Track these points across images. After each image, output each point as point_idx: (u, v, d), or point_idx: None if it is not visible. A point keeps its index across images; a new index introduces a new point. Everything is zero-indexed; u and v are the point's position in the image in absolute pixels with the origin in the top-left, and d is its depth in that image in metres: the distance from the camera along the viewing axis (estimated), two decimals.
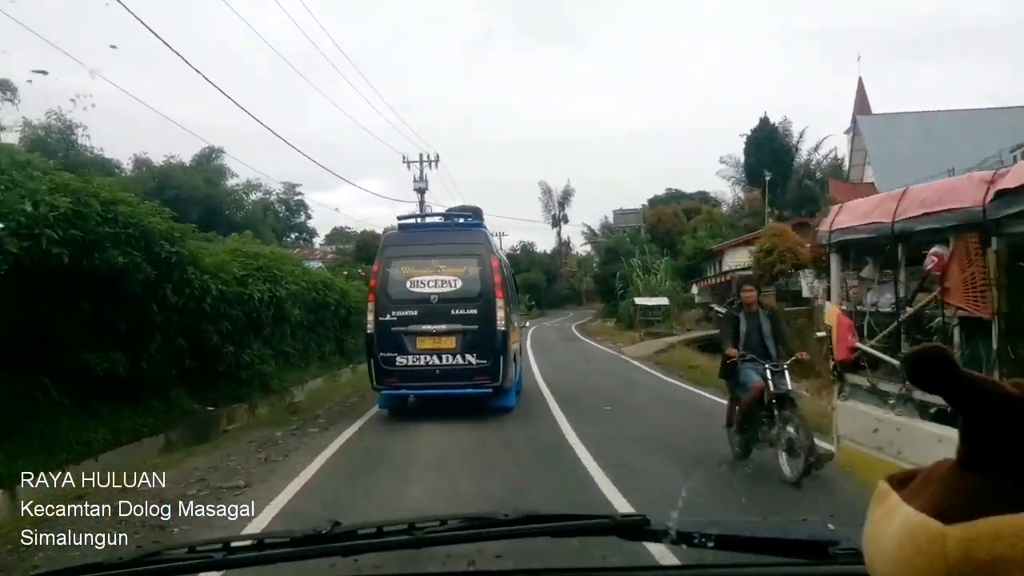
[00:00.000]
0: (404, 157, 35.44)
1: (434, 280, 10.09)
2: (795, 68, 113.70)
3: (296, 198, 56.16)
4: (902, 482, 0.66)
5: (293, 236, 56.52)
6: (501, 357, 9.89)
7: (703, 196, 62.62)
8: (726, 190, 60.56)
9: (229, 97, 29.00)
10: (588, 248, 73.97)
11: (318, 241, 59.93)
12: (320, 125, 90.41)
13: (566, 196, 75.47)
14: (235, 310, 11.50)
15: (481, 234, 10.90)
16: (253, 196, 50.49)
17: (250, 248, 13.13)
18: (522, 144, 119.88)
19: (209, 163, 44.75)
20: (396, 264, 10.23)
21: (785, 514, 5.09)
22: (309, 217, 58.54)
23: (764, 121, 54.27)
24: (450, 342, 9.85)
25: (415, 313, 9.92)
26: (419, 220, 12.64)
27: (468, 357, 9.81)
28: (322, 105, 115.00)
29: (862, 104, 48.84)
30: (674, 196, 63.95)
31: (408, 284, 10.09)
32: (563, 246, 79.60)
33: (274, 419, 10.80)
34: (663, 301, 32.70)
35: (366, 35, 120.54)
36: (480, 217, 11.52)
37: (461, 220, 11.15)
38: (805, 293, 20.68)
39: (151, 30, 11.23)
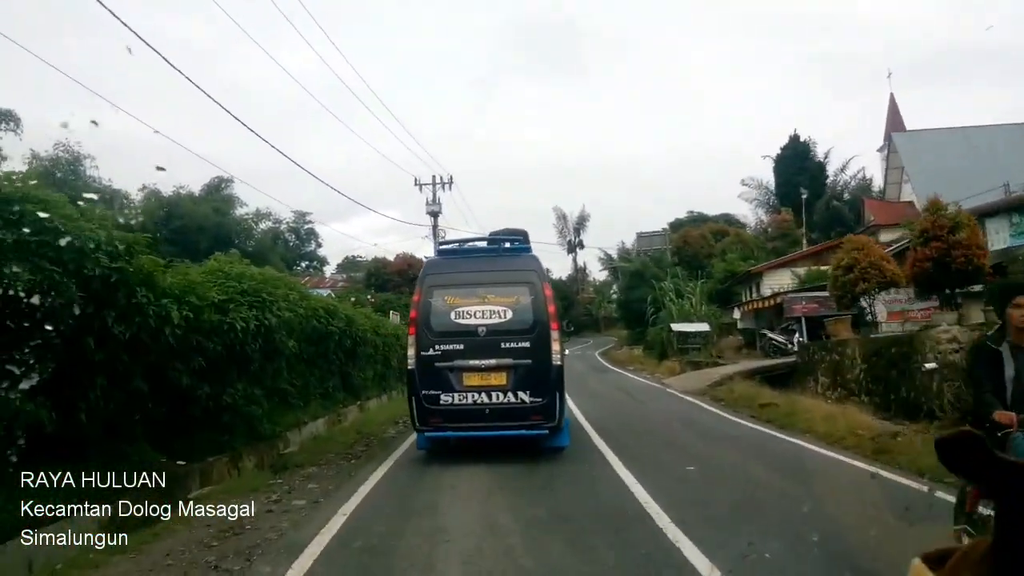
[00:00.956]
0: (416, 179, 33.89)
1: (482, 311, 9.20)
2: (810, 91, 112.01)
3: (306, 227, 55.20)
4: (938, 561, 0.72)
5: (304, 265, 55.42)
6: (557, 394, 9.00)
7: (728, 218, 60.53)
8: (748, 212, 58.68)
9: (249, 128, 27.45)
10: (605, 274, 71.85)
11: (329, 270, 58.84)
12: (330, 156, 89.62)
13: (581, 222, 73.90)
14: (212, 342, 9.32)
15: (532, 259, 9.98)
16: (263, 225, 49.31)
17: (233, 269, 10.81)
18: (535, 170, 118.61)
19: (218, 192, 43.60)
20: (439, 294, 9.38)
21: None
22: (319, 246, 57.64)
23: (794, 139, 52.28)
24: (500, 378, 8.97)
25: (461, 347, 9.08)
26: (461, 245, 11.28)
27: (521, 395, 8.90)
28: (332, 136, 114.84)
29: (895, 121, 47.25)
30: (696, 219, 61.89)
31: (452, 315, 9.23)
32: (579, 272, 77.74)
33: (254, 482, 8.45)
34: (703, 327, 29.86)
35: (378, 67, 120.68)
36: (528, 241, 10.54)
37: (508, 244, 10.27)
38: (877, 317, 17.99)
39: (171, 64, 10.82)
